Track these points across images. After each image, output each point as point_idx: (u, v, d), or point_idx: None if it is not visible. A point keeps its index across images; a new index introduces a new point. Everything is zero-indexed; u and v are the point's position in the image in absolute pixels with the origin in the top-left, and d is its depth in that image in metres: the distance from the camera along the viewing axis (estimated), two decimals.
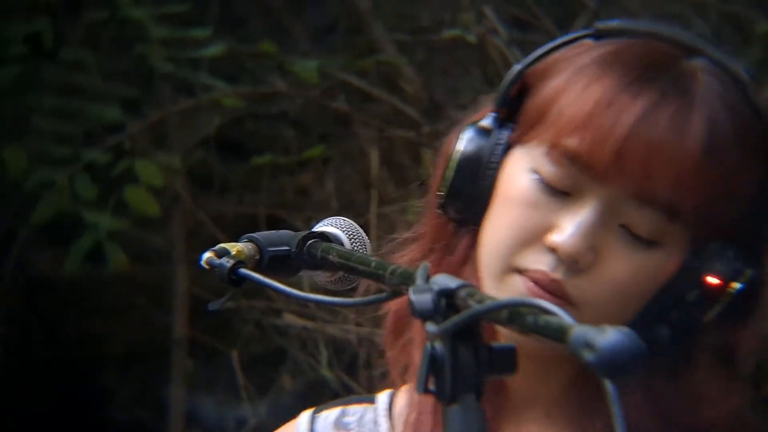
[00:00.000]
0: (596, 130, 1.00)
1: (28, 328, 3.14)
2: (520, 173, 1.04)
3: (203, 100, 2.88)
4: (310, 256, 1.05)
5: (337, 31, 3.06)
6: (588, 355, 0.81)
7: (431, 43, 2.86)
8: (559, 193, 1.02)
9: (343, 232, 1.10)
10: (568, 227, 1.01)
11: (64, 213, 2.76)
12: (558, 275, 1.02)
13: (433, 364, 0.87)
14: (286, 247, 1.05)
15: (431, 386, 0.88)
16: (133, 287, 3.10)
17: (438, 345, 0.88)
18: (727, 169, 1.00)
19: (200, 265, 1.05)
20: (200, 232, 2.99)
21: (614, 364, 0.80)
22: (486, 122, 1.05)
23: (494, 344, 0.89)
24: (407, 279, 0.95)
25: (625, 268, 1.01)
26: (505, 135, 1.04)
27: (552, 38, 1.08)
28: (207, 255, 1.04)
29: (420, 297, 0.89)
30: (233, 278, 1.02)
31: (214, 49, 2.78)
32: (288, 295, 1.06)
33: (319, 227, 1.10)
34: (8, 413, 3.07)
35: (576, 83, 1.02)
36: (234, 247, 1.05)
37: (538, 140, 1.03)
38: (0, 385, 2.98)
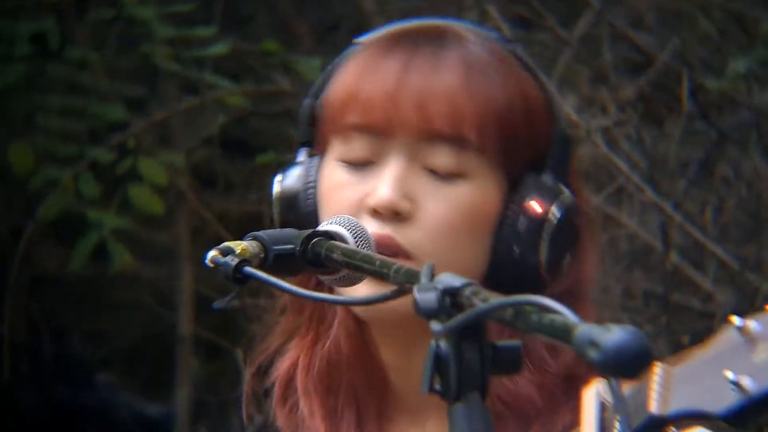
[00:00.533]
0: (365, 95, 1.10)
1: (33, 326, 3.14)
2: (328, 170, 1.12)
3: (208, 99, 2.88)
4: (315, 255, 1.06)
5: (341, 30, 3.07)
6: (593, 354, 0.81)
7: None
8: (363, 165, 1.10)
9: (348, 230, 1.10)
10: (378, 186, 1.09)
11: (69, 211, 2.77)
12: (387, 231, 1.09)
13: (437, 362, 0.87)
14: (291, 246, 1.05)
15: (436, 385, 0.88)
16: (138, 285, 3.11)
17: (443, 344, 0.88)
18: (492, 92, 1.09)
19: (205, 264, 1.05)
20: (205, 230, 3.00)
21: (619, 363, 0.80)
22: (297, 157, 1.14)
23: (499, 342, 0.89)
24: (412, 277, 0.95)
25: (441, 205, 1.09)
26: (315, 160, 1.13)
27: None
28: (212, 253, 1.04)
29: (424, 295, 0.89)
30: (238, 276, 1.03)
31: (219, 48, 2.78)
32: (292, 294, 1.06)
33: (324, 225, 1.10)
34: (14, 410, 3.08)
35: (340, 74, 1.12)
36: (238, 246, 1.05)
37: (331, 136, 1.12)
38: (6, 382, 2.99)
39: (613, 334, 0.80)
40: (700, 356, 0.88)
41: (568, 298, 1.05)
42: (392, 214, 1.10)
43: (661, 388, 0.88)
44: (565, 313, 0.84)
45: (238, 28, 3.01)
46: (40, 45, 2.79)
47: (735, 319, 0.87)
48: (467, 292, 0.89)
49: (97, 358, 3.19)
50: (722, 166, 2.75)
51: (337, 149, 1.12)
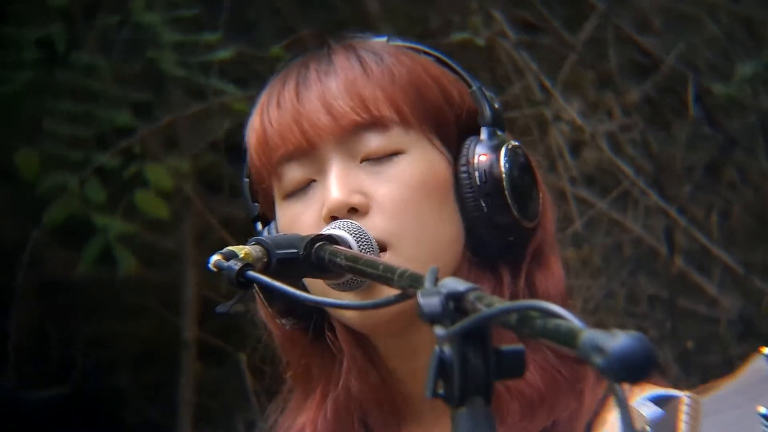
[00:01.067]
0: (271, 130, 1.13)
1: (40, 330, 3.15)
2: (280, 213, 1.14)
3: (213, 104, 2.89)
4: (318, 259, 1.06)
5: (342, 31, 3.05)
6: (598, 360, 0.80)
7: (440, 46, 2.86)
8: (306, 188, 1.13)
9: (351, 234, 1.10)
10: (326, 194, 1.11)
11: (76, 216, 2.77)
12: None
13: (441, 367, 0.87)
14: (294, 250, 1.06)
15: (440, 390, 0.88)
16: (144, 290, 3.11)
17: (447, 348, 0.88)
18: (391, 69, 1.13)
19: (208, 268, 1.05)
20: (210, 235, 3.00)
21: (625, 368, 0.79)
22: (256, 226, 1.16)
23: (503, 347, 0.89)
24: (416, 282, 0.95)
25: (391, 185, 1.11)
26: (272, 224, 1.15)
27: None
28: (215, 258, 1.04)
29: (428, 300, 0.89)
30: (241, 281, 1.03)
31: (224, 53, 2.78)
32: (296, 298, 1.06)
33: (327, 230, 1.11)
34: (21, 413, 3.08)
35: (250, 123, 1.16)
36: (242, 250, 1.05)
37: (267, 181, 1.14)
38: (13, 385, 2.99)
39: (618, 340, 0.80)
40: (728, 387, 0.87)
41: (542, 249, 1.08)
42: (349, 213, 1.11)
43: (690, 419, 0.87)
44: (569, 318, 0.84)
45: (244, 34, 3.01)
46: (47, 50, 2.80)
47: (765, 350, 0.85)
48: (471, 296, 0.89)
49: (103, 361, 3.20)
50: (728, 171, 2.74)
51: (278, 189, 1.14)
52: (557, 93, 2.73)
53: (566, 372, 1.10)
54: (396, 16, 2.92)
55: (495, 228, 1.11)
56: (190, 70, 2.78)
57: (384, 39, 1.16)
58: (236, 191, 3.46)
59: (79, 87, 2.79)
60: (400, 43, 1.16)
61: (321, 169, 1.12)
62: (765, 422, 0.84)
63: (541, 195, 1.14)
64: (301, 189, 1.13)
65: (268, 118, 1.14)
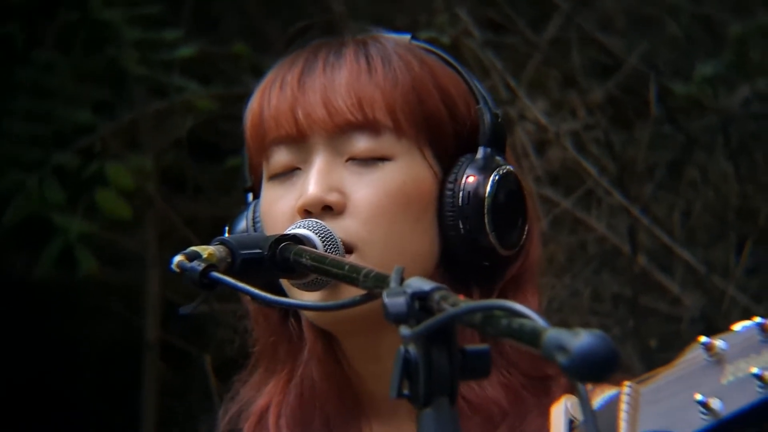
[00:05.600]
0: (269, 111, 1.12)
1: None
2: (264, 192, 1.14)
3: (176, 102, 2.86)
4: (283, 259, 1.05)
5: (311, 33, 3.04)
6: (561, 359, 0.81)
7: None
8: (291, 175, 1.12)
9: (316, 234, 1.09)
10: (304, 186, 1.11)
11: (35, 216, 2.73)
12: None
13: (406, 367, 0.87)
14: (259, 250, 1.05)
15: (405, 390, 0.87)
16: (106, 291, 3.07)
17: (411, 348, 0.87)
18: (397, 75, 1.12)
19: (171, 269, 1.03)
20: (173, 234, 2.97)
21: (587, 367, 0.80)
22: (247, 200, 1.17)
23: (468, 347, 0.89)
24: (381, 282, 0.95)
25: (369, 190, 1.11)
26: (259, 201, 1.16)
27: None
28: (178, 258, 1.03)
29: (394, 300, 0.89)
30: (204, 282, 1.02)
31: (187, 51, 2.76)
32: (260, 299, 1.05)
33: (292, 229, 1.10)
34: None
35: (251, 101, 1.16)
36: (206, 251, 1.04)
37: (257, 160, 1.14)
38: None
39: (581, 339, 0.81)
40: (667, 376, 0.88)
41: (523, 276, 1.08)
42: (323, 210, 1.10)
43: (630, 408, 0.88)
44: (533, 317, 0.84)
45: (207, 31, 2.98)
46: (5, 48, 2.75)
47: (701, 338, 0.87)
48: (437, 296, 0.89)
49: (64, 363, 3.15)
50: (690, 170, 2.77)
51: (266, 170, 1.14)
52: (522, 92, 2.74)
53: (532, 389, 1.10)
54: (361, 14, 2.91)
55: (470, 250, 1.11)
56: (151, 68, 2.75)
57: (407, 37, 1.15)
58: (200, 190, 3.44)
59: (38, 85, 2.75)
60: (420, 44, 1.15)
61: (307, 159, 1.12)
62: (701, 408, 0.84)
63: (527, 226, 1.13)
64: (286, 173, 1.12)
65: (267, 99, 1.13)
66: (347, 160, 1.11)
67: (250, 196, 1.16)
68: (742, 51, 2.74)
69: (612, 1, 2.89)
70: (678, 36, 2.86)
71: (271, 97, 1.12)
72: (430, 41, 1.19)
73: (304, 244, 1.07)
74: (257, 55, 2.83)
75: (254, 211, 1.15)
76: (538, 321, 0.83)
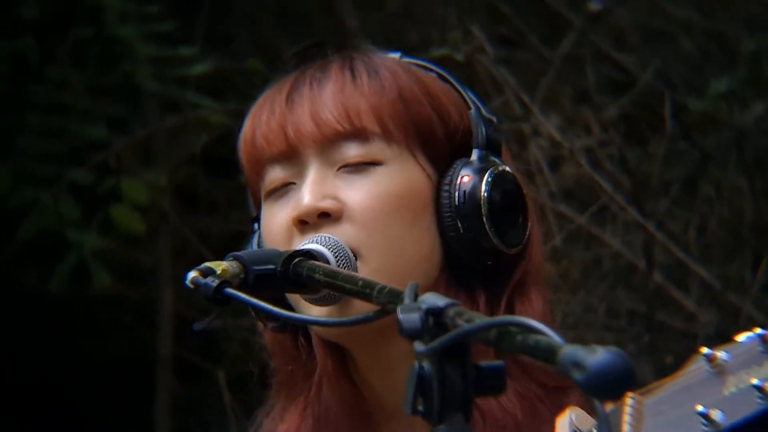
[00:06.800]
0: (260, 130, 1.15)
1: (13, 347, 3.10)
2: (263, 213, 1.16)
3: (190, 118, 2.87)
4: (296, 275, 1.05)
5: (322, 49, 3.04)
6: (577, 376, 0.80)
7: None
8: (286, 190, 1.14)
9: (329, 249, 1.09)
10: (299, 198, 1.12)
11: (50, 232, 2.74)
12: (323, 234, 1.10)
13: (420, 384, 0.87)
14: (272, 266, 1.05)
15: (419, 407, 0.87)
16: (119, 306, 3.08)
17: (426, 365, 0.87)
18: (383, 83, 1.13)
19: (185, 285, 1.03)
20: (187, 250, 2.97)
21: (604, 385, 0.79)
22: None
23: (482, 363, 0.88)
24: (395, 298, 0.94)
25: (364, 195, 1.11)
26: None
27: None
28: (192, 275, 1.03)
29: (408, 316, 0.89)
30: (218, 298, 1.02)
31: (201, 67, 2.77)
32: (273, 315, 1.05)
33: (305, 245, 1.10)
34: None
35: (244, 125, 1.18)
36: (219, 266, 1.04)
37: (253, 181, 1.16)
38: None
39: (598, 356, 0.80)
40: (670, 387, 0.88)
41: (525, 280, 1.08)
42: (319, 218, 1.11)
43: (633, 420, 0.87)
44: (549, 333, 0.83)
45: (221, 47, 3.00)
46: (19, 65, 2.77)
47: (704, 350, 0.86)
48: (451, 312, 0.88)
49: (78, 378, 3.15)
50: (705, 186, 2.76)
51: (262, 190, 1.16)
52: (535, 109, 2.74)
53: (548, 401, 1.09)
54: (375, 31, 2.92)
55: (471, 250, 1.11)
56: (166, 84, 2.77)
57: (396, 55, 1.16)
58: (214, 206, 3.44)
59: (52, 101, 2.77)
60: (410, 60, 1.16)
61: (301, 173, 1.13)
62: (703, 420, 0.84)
63: (528, 225, 1.13)
64: (280, 189, 1.14)
65: (258, 121, 1.15)
66: (339, 169, 1.12)
67: (256, 225, 1.17)
68: (756, 67, 2.73)
69: (625, 18, 2.89)
70: (692, 52, 2.86)
71: (261, 119, 1.14)
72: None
73: (317, 260, 1.07)
74: (271, 71, 2.84)
75: (259, 238, 1.15)
76: (554, 337, 0.83)
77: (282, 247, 1.09)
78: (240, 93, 2.90)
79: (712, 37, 2.89)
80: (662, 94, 2.75)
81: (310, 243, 1.09)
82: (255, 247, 1.15)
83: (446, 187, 1.11)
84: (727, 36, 2.87)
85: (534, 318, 1.09)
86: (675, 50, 2.87)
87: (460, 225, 1.10)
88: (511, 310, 1.12)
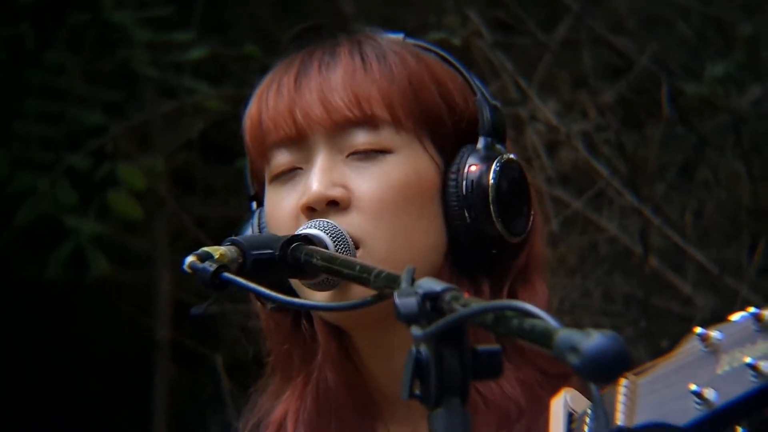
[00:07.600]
0: (267, 114, 1.13)
1: (10, 333, 3.11)
2: (267, 196, 1.15)
3: (187, 103, 2.87)
4: (294, 260, 1.05)
5: (318, 32, 3.04)
6: (573, 359, 0.81)
7: None
8: (292, 175, 1.13)
9: (327, 234, 1.09)
10: (307, 185, 1.11)
11: (47, 218, 2.74)
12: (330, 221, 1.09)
13: (418, 368, 0.87)
14: (270, 251, 1.05)
15: (416, 391, 0.87)
16: (117, 291, 3.08)
17: (423, 349, 0.87)
18: (393, 70, 1.13)
19: (183, 270, 1.04)
20: (184, 235, 2.98)
21: (599, 368, 0.80)
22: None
23: (479, 347, 0.89)
24: (392, 282, 0.95)
25: (373, 183, 1.11)
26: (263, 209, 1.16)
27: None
28: (189, 259, 1.04)
29: (405, 300, 0.89)
30: (216, 282, 1.02)
31: (198, 53, 2.76)
32: (271, 299, 1.05)
33: (303, 230, 1.10)
34: None
35: (249, 106, 1.16)
36: (217, 251, 1.04)
37: (259, 164, 1.15)
38: None
39: (593, 340, 0.81)
40: (664, 367, 0.89)
41: (527, 269, 1.08)
42: (327, 206, 1.10)
43: (627, 400, 0.88)
44: (545, 317, 0.84)
45: (218, 33, 2.99)
46: (16, 50, 2.76)
47: (697, 329, 0.87)
48: (448, 296, 0.89)
49: (75, 364, 3.16)
50: (702, 170, 2.76)
51: (267, 173, 1.16)
52: (532, 93, 2.73)
53: (548, 387, 1.10)
54: (371, 16, 2.91)
55: (477, 239, 1.11)
56: (162, 70, 2.76)
57: (400, 36, 1.16)
58: (211, 191, 3.44)
59: (49, 86, 2.76)
60: (414, 41, 1.16)
61: (308, 159, 1.13)
62: (696, 398, 0.84)
63: (532, 213, 1.13)
64: (287, 174, 1.14)
65: (265, 102, 1.14)
66: (348, 156, 1.12)
67: (254, 204, 1.17)
68: (753, 51, 2.73)
69: (622, 2, 2.88)
70: (689, 36, 2.85)
71: (268, 101, 1.13)
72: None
73: (315, 245, 1.07)
74: (267, 56, 2.84)
75: (259, 218, 1.15)
76: (550, 321, 0.83)
77: (287, 232, 1.09)
78: (237, 78, 2.89)
79: (709, 22, 2.88)
80: (659, 79, 2.75)
81: (308, 228, 1.10)
82: (255, 227, 1.15)
83: (453, 176, 1.12)
84: (724, 20, 2.86)
85: (538, 305, 1.12)
86: (672, 35, 2.86)
87: (467, 214, 1.10)
88: (514, 297, 1.12)
